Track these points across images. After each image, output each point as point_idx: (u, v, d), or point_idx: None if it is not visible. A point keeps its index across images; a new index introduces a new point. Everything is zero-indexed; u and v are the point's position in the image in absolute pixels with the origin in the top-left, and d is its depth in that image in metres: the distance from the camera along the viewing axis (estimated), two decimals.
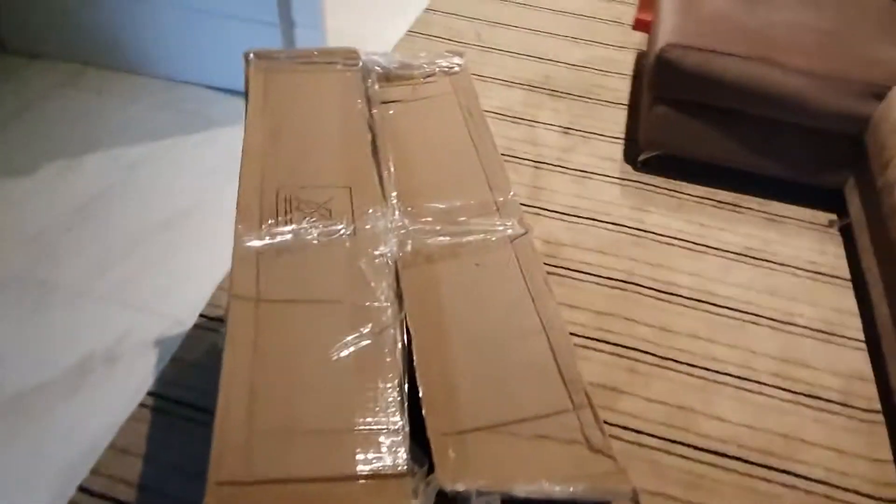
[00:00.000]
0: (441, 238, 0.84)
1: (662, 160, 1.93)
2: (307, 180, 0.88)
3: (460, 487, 0.57)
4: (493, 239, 0.85)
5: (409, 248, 0.81)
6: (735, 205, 1.88)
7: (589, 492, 0.59)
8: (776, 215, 1.86)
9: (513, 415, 0.67)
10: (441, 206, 0.88)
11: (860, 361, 1.51)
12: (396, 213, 0.85)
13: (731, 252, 1.74)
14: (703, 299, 1.61)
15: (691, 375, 1.45)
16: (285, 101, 1.00)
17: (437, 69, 1.10)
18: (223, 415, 0.61)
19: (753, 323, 1.57)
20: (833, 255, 1.76)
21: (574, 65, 2.35)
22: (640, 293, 1.62)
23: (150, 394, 1.31)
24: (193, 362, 1.37)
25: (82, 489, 1.16)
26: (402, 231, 0.83)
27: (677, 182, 1.93)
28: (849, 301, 1.64)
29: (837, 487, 1.28)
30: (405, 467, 0.60)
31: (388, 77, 1.10)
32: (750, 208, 1.87)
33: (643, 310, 1.57)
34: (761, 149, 1.82)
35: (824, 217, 1.86)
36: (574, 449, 0.65)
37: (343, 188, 0.88)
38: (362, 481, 0.59)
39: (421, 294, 0.77)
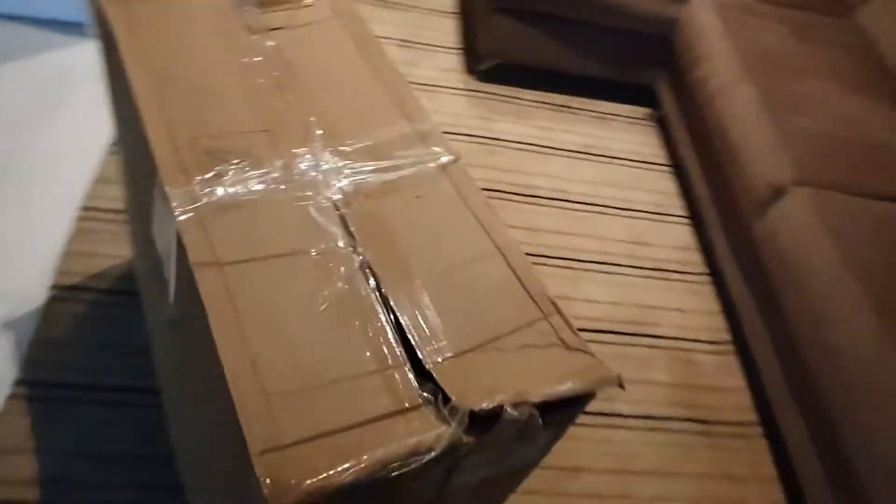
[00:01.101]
0: (375, 175, 0.83)
1: (499, 68, 2.01)
2: (220, 128, 0.80)
3: (487, 405, 0.61)
4: (427, 169, 0.86)
5: (347, 188, 0.80)
6: (569, 107, 2.04)
7: (586, 386, 0.67)
8: (604, 113, 2.05)
9: (493, 333, 0.72)
10: (365, 142, 0.86)
11: (687, 234, 1.78)
12: (326, 153, 0.82)
13: (573, 151, 1.91)
14: (559, 197, 1.77)
15: (560, 267, 1.61)
16: (157, 36, 0.88)
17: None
18: (237, 388, 0.58)
19: (602, 213, 1.76)
20: (654, 146, 2.01)
21: None
22: (503, 199, 1.73)
23: (19, 383, 1.16)
24: (60, 339, 1.23)
25: None
26: (336, 172, 0.81)
27: (515, 89, 2.03)
28: (671, 184, 1.91)
29: (686, 340, 1.54)
30: (423, 398, 0.63)
31: (260, 1, 1.02)
32: (582, 108, 2.05)
33: (509, 213, 1.69)
34: (586, 52, 1.98)
35: (643, 112, 2.10)
36: (555, 352, 0.72)
37: (261, 132, 0.82)
38: (388, 420, 0.60)
39: (372, 232, 0.77)
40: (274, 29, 0.99)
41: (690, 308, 1.61)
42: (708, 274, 1.69)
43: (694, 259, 1.72)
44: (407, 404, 0.63)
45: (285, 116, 0.86)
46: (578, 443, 1.32)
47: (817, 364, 1.22)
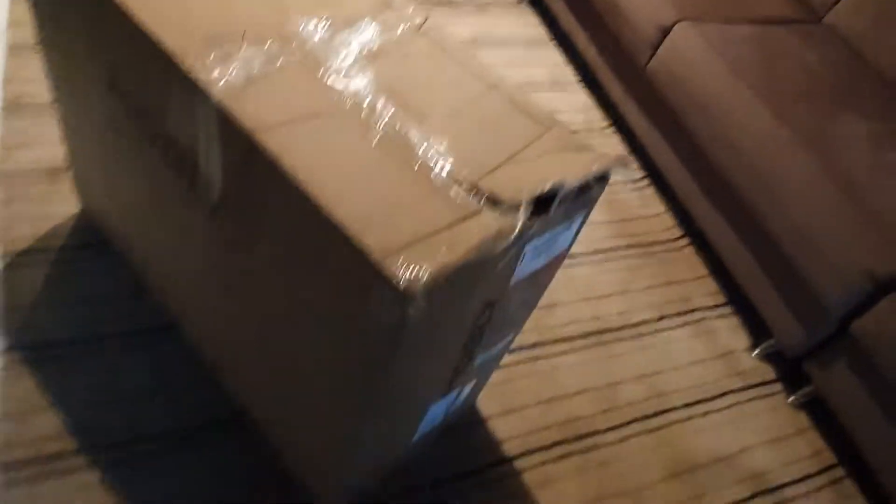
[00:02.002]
0: (364, 43, 0.88)
1: None
2: (219, 20, 0.82)
3: (542, 190, 0.72)
4: (406, 30, 0.92)
5: (348, 56, 0.85)
6: (450, 2, 2.11)
7: (604, 167, 0.79)
8: (482, 3, 2.15)
9: (513, 149, 0.82)
10: (344, 17, 0.91)
11: (585, 96, 1.96)
12: (319, 30, 0.86)
13: (472, 41, 2.00)
14: None
15: None
16: None
17: None
18: (339, 212, 0.64)
19: None
20: (535, 25, 2.14)
21: None
22: None
23: (8, 350, 1.11)
24: (35, 303, 1.17)
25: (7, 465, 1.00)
26: (334, 44, 0.85)
27: None
28: (560, 55, 2.06)
29: (609, 184, 1.73)
30: (483, 204, 0.72)
31: None
32: (464, 2, 2.13)
33: None
34: None
35: None
36: (568, 153, 0.84)
37: (255, 22, 0.84)
38: (463, 223, 0.69)
39: (384, 89, 0.83)
40: None
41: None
42: (612, 124, 1.88)
43: (597, 116, 1.91)
44: (472, 210, 0.72)
45: (265, 10, 0.88)
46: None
47: (728, 164, 1.44)
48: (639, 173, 1.80)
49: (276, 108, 0.74)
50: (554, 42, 2.10)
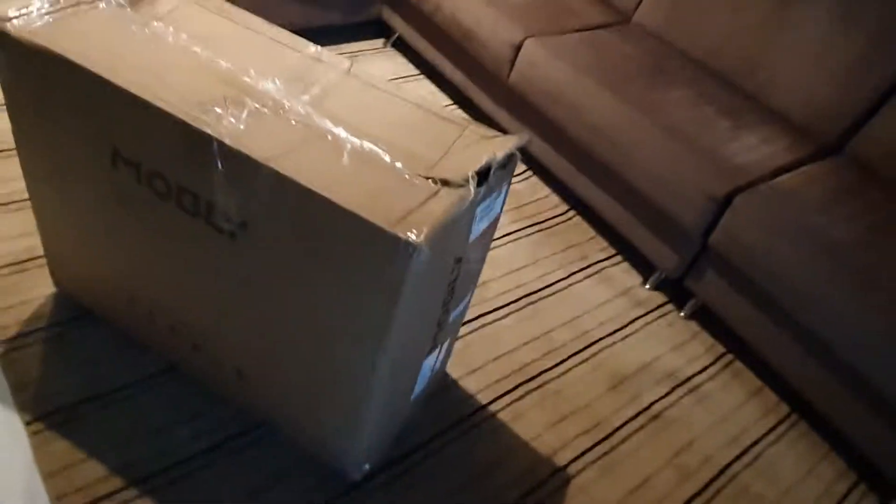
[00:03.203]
0: (309, 91, 1.12)
1: None
2: (191, 91, 1.02)
3: (481, 166, 0.99)
4: (339, 74, 1.17)
5: (305, 100, 1.08)
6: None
7: (517, 144, 1.08)
8: (353, 53, 2.44)
9: (445, 146, 1.09)
10: (290, 71, 1.14)
11: (462, 114, 2.28)
12: (277, 83, 1.09)
13: None
14: None
15: None
16: (79, 42, 1.04)
17: None
18: (351, 206, 0.88)
19: None
20: (403, 63, 2.46)
21: None
22: None
23: (32, 422, 1.21)
24: (40, 376, 1.28)
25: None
26: (288, 93, 1.08)
27: None
28: (431, 86, 2.38)
29: None
30: (438, 184, 0.99)
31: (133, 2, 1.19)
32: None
33: None
34: (323, 4, 2.32)
35: (380, 42, 2.53)
36: (487, 141, 1.12)
37: (224, 85, 1.05)
38: (431, 200, 0.95)
39: (338, 119, 1.08)
40: (154, 19, 1.19)
41: None
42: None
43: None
44: (434, 190, 0.98)
45: (224, 70, 1.10)
46: None
47: (589, 140, 1.80)
48: (522, 167, 2.13)
49: (272, 143, 0.97)
50: (423, 76, 2.43)
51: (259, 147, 0.95)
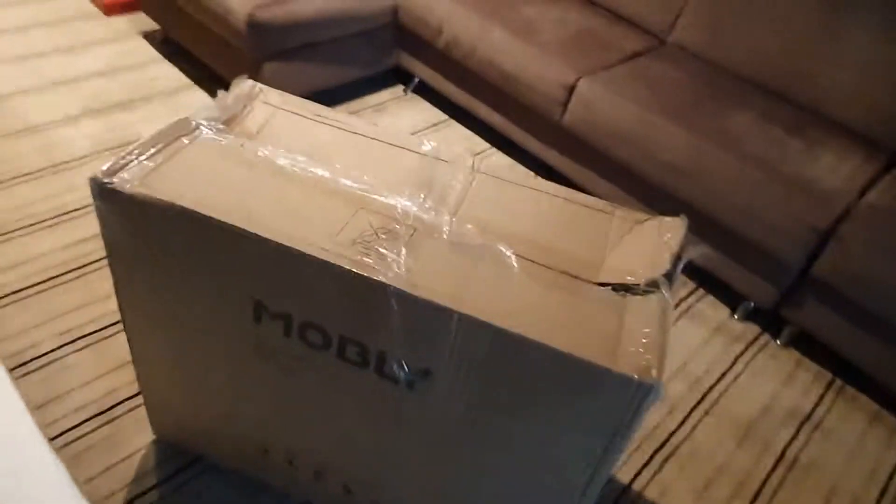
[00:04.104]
0: (452, 200, 1.03)
1: None
2: (334, 223, 0.91)
3: (667, 264, 0.91)
4: (468, 175, 1.08)
5: (450, 216, 0.99)
6: (351, 111, 2.27)
7: (684, 228, 1.00)
8: (377, 104, 2.33)
9: (603, 239, 1.01)
10: (418, 183, 1.04)
11: (504, 157, 2.20)
12: (412, 198, 0.99)
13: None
14: None
15: None
16: (204, 187, 0.92)
17: (254, 101, 1.13)
18: (580, 353, 0.79)
19: None
20: (429, 110, 2.36)
21: (99, 73, 2.22)
22: None
23: None
24: None
25: None
26: (429, 212, 0.99)
27: None
28: (464, 130, 2.29)
29: None
30: (624, 290, 0.90)
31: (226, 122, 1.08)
32: (360, 108, 2.29)
33: None
34: (341, 62, 2.21)
35: (399, 89, 2.43)
36: (645, 224, 1.04)
37: (356, 210, 0.94)
38: (633, 315, 0.87)
39: (490, 229, 0.98)
40: (257, 139, 1.08)
41: None
42: (536, 174, 2.14)
43: (522, 170, 2.16)
44: (619, 301, 0.90)
45: (354, 192, 0.99)
46: None
47: (662, 179, 1.74)
48: None
49: (445, 278, 0.87)
50: (452, 119, 2.33)
51: (436, 286, 0.85)
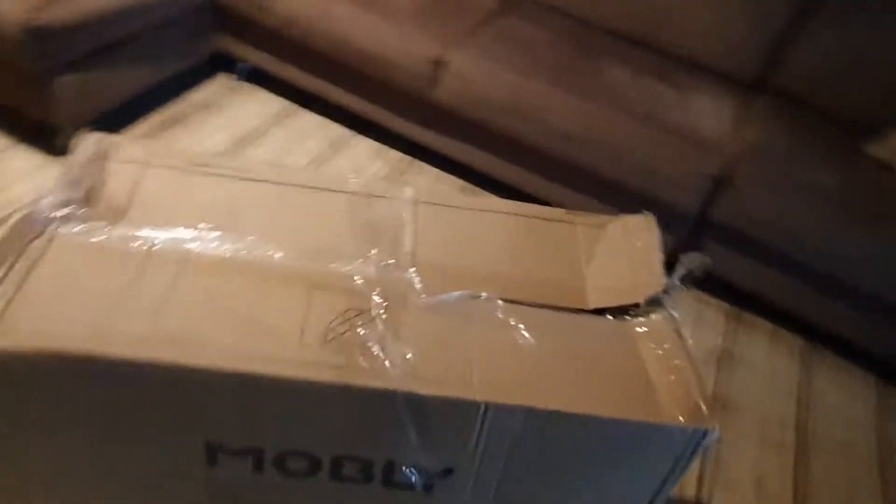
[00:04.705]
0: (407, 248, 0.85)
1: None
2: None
3: (661, 282, 0.83)
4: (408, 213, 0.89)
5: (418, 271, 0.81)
6: (174, 118, 1.91)
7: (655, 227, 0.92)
8: (208, 100, 1.99)
9: (578, 259, 0.91)
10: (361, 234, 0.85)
11: (369, 142, 2.00)
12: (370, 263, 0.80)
13: (238, 144, 1.86)
14: None
15: None
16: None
17: (109, 161, 0.84)
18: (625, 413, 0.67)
19: None
20: (271, 100, 2.06)
21: None
22: None
23: None
24: None
25: None
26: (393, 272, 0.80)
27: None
28: (317, 118, 2.03)
29: None
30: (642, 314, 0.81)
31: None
32: (188, 110, 1.94)
33: None
34: (151, 59, 1.83)
35: (227, 80, 2.09)
36: (608, 228, 0.95)
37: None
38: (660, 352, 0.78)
39: (447, 272, 0.83)
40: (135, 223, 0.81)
41: None
42: (411, 154, 1.97)
43: (394, 155, 1.97)
44: (628, 327, 0.81)
45: (300, 270, 0.78)
46: None
47: (549, 142, 1.66)
48: (471, 188, 1.93)
49: (444, 359, 0.71)
50: (300, 106, 2.06)
51: (443, 372, 0.70)
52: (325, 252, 0.78)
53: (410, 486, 0.75)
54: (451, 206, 0.93)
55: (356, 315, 0.72)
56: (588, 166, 1.67)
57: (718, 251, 1.67)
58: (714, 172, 1.56)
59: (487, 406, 0.68)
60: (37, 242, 0.70)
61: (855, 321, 1.61)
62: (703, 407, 0.72)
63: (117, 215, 0.75)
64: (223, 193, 0.85)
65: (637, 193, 1.66)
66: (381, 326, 0.71)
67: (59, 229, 0.72)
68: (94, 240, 0.72)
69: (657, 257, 0.89)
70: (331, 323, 0.70)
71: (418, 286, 0.78)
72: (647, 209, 1.62)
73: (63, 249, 0.70)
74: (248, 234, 0.77)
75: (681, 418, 0.71)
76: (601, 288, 0.86)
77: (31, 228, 0.70)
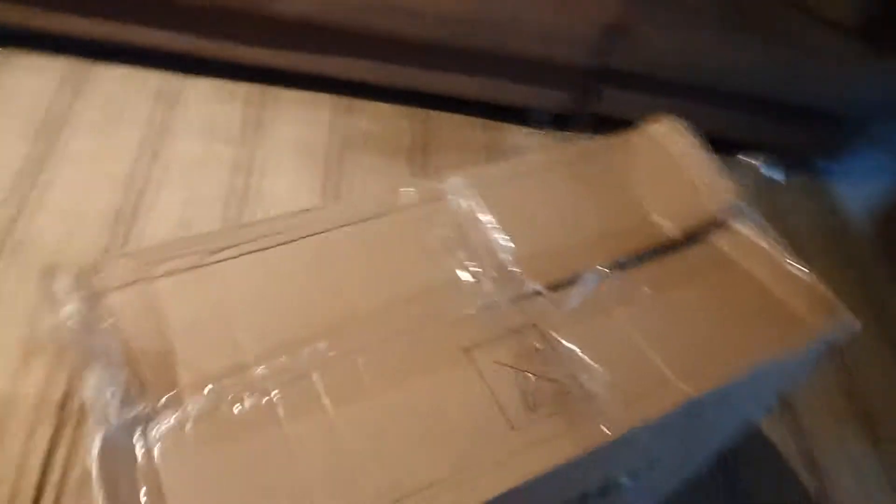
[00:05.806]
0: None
1: None
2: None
3: None
4: None
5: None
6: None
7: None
8: None
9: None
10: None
11: (206, 84, 1.63)
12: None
13: None
14: None
15: None
16: None
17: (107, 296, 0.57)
18: None
19: None
20: (48, 66, 1.57)
21: None
22: None
23: None
24: None
25: None
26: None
27: None
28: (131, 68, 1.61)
29: None
30: None
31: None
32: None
33: None
34: None
35: None
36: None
37: None
38: None
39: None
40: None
41: None
42: (261, 83, 1.66)
43: (244, 89, 1.64)
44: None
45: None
46: None
47: (452, 33, 1.47)
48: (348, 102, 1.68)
49: (633, 369, 0.63)
50: (101, 63, 1.60)
51: (633, 380, 0.62)
52: (430, 299, 0.62)
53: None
54: (496, 183, 0.79)
55: (527, 359, 0.59)
56: (482, 47, 1.52)
57: (621, 96, 1.67)
58: (608, 21, 1.50)
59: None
60: (140, 465, 0.46)
61: (757, 125, 1.72)
62: (835, 305, 0.72)
63: (173, 374, 0.52)
64: (267, 279, 0.61)
65: (536, 61, 1.56)
66: (560, 359, 0.60)
67: (150, 433, 0.48)
68: (194, 428, 0.49)
69: (706, 161, 0.84)
70: (519, 385, 0.57)
71: (539, 288, 0.66)
72: (547, 72, 1.57)
73: (176, 461, 0.47)
74: (336, 318, 0.58)
75: (822, 324, 0.71)
76: (673, 214, 0.81)
77: (119, 452, 0.46)
